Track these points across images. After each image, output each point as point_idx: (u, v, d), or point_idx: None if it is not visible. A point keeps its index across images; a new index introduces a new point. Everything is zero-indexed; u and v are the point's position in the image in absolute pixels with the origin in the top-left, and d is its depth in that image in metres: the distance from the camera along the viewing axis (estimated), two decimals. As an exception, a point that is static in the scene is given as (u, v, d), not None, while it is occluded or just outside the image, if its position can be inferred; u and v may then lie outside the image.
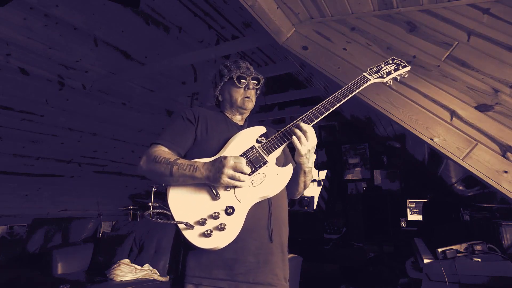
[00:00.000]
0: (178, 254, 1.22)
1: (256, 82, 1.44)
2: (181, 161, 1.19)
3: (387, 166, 5.47)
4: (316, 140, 1.25)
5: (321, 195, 5.92)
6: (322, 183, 5.96)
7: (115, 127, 4.70)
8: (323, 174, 6.05)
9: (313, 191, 6.16)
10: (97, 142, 4.76)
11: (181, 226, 1.12)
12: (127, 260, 3.14)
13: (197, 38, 4.24)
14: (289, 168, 1.24)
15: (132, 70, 3.85)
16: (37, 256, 3.78)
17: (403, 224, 4.82)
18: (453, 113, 1.91)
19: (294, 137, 1.22)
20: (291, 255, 2.83)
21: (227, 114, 1.45)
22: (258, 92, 1.50)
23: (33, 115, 3.86)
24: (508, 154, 1.76)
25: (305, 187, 1.40)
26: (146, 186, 5.83)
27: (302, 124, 1.22)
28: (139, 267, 3.08)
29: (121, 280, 2.87)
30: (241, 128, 1.40)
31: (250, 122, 1.50)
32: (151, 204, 4.40)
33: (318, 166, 6.04)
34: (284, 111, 6.22)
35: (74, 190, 5.22)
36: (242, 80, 1.39)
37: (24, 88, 3.55)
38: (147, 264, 3.14)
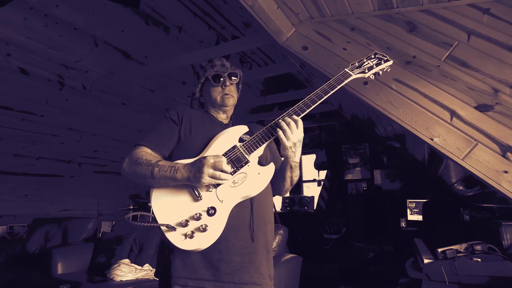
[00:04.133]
0: (164, 255, 1.22)
1: (235, 78, 1.42)
2: (163, 162, 1.18)
3: (387, 166, 5.47)
4: (302, 134, 1.24)
5: (321, 195, 5.92)
6: (322, 183, 5.96)
7: (115, 127, 4.70)
8: (323, 174, 6.05)
9: (313, 191, 6.16)
10: (97, 142, 4.76)
11: (163, 228, 1.12)
12: (127, 260, 3.14)
13: (197, 38, 4.24)
14: (271, 167, 1.24)
15: (132, 70, 3.85)
16: (37, 256, 3.79)
17: (403, 224, 4.82)
18: (453, 113, 1.91)
19: (279, 130, 1.20)
20: (291, 255, 2.83)
21: (212, 113, 1.44)
22: (240, 86, 1.49)
23: (33, 115, 3.86)
24: (508, 154, 1.76)
25: (292, 184, 1.38)
26: (146, 186, 5.83)
27: (288, 118, 1.22)
28: (139, 267, 3.08)
29: (121, 280, 2.87)
30: (225, 126, 1.39)
31: (236, 120, 1.49)
32: (151, 204, 4.39)
33: (318, 166, 6.04)
34: (284, 111, 6.19)
35: (74, 190, 5.23)
36: (219, 78, 1.38)
37: (24, 88, 3.55)
38: (147, 264, 3.14)
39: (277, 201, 5.82)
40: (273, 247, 2.73)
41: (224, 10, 3.98)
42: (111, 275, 2.93)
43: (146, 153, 1.24)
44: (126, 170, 1.23)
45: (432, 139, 1.92)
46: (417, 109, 1.99)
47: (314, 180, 6.15)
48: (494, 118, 1.82)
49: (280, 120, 1.22)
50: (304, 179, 6.39)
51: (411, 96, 2.02)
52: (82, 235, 3.91)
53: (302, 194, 6.17)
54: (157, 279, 1.27)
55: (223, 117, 1.44)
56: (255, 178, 1.20)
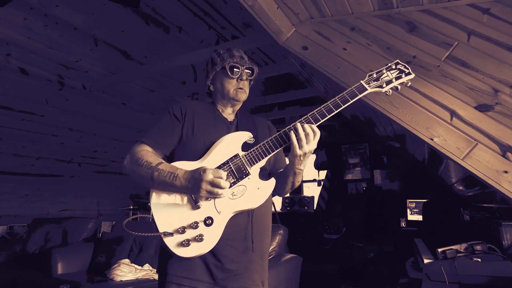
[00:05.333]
0: (164, 254, 1.23)
1: (250, 72, 1.37)
2: (163, 166, 1.17)
3: (387, 166, 5.47)
4: (315, 146, 1.20)
5: (321, 195, 5.91)
6: (322, 183, 5.96)
7: (115, 127, 4.70)
8: (323, 174, 6.05)
9: (313, 191, 6.16)
10: (97, 142, 4.76)
11: (161, 234, 1.14)
12: (127, 260, 3.14)
13: (197, 38, 4.24)
14: (271, 183, 1.22)
15: (132, 70, 3.85)
16: (37, 256, 3.79)
17: (403, 224, 4.82)
18: (453, 113, 1.91)
19: (293, 136, 1.17)
20: (291, 255, 2.83)
21: (218, 107, 1.40)
22: (252, 82, 1.44)
23: (33, 115, 3.86)
24: (508, 154, 1.76)
25: (292, 188, 1.36)
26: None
27: (307, 126, 1.17)
28: (139, 267, 3.08)
29: (121, 280, 2.87)
30: (230, 125, 1.36)
31: (241, 117, 1.43)
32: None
33: (318, 166, 6.04)
34: (284, 111, 6.22)
35: (74, 190, 5.23)
36: (235, 70, 1.32)
37: (24, 88, 3.55)
38: (147, 264, 3.14)
39: (277, 201, 5.82)
40: (273, 247, 2.74)
41: (224, 10, 3.98)
42: (111, 275, 2.93)
43: (147, 152, 1.23)
44: (127, 167, 1.23)
45: (432, 139, 1.92)
46: (417, 109, 1.99)
47: (314, 180, 6.15)
48: (494, 118, 1.82)
49: (298, 125, 1.18)
50: (304, 179, 6.39)
51: (411, 96, 2.02)
52: (82, 235, 3.91)
53: (302, 194, 6.16)
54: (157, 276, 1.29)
55: (229, 111, 1.39)
56: (254, 192, 1.19)
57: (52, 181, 4.83)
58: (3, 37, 3.04)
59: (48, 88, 3.69)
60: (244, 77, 1.34)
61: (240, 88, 1.34)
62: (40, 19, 3.06)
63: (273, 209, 4.63)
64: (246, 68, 1.35)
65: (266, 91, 5.66)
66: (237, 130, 1.34)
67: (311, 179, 6.25)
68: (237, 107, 1.41)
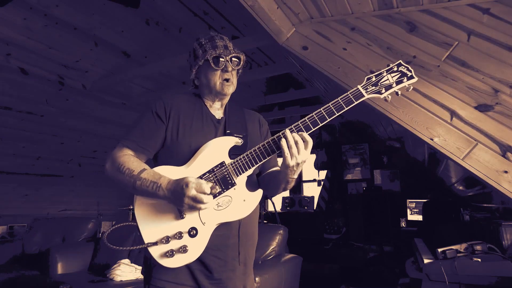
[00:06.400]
0: (148, 256, 1.23)
1: (237, 61, 1.27)
2: (145, 175, 1.12)
3: (387, 166, 5.47)
4: (308, 155, 1.12)
5: (321, 195, 5.92)
6: (322, 183, 5.96)
7: (115, 127, 4.70)
8: (323, 174, 6.05)
9: (313, 191, 6.16)
10: (97, 142, 4.76)
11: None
12: (127, 260, 3.14)
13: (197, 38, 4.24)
14: (258, 194, 1.18)
15: (132, 70, 3.85)
16: (37, 256, 3.78)
17: (403, 224, 4.82)
18: (453, 113, 1.92)
19: (284, 146, 1.09)
20: (291, 255, 2.83)
21: (206, 101, 1.31)
22: (240, 71, 1.34)
23: (33, 115, 3.86)
24: (508, 154, 1.76)
25: (284, 190, 1.31)
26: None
27: (297, 135, 1.09)
28: (139, 267, 3.08)
29: (121, 280, 2.87)
30: (218, 123, 1.29)
31: (231, 113, 1.34)
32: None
33: (318, 166, 6.04)
34: (284, 111, 6.22)
35: (74, 190, 5.23)
36: (220, 60, 1.23)
37: (24, 88, 3.55)
38: (147, 264, 3.14)
39: (277, 201, 5.82)
40: (273, 247, 2.74)
41: (224, 10, 3.98)
42: (111, 275, 2.93)
43: (129, 157, 1.18)
44: (109, 173, 1.18)
45: (432, 139, 1.92)
46: (417, 109, 1.99)
47: (314, 180, 6.15)
48: (494, 118, 1.83)
49: (288, 134, 1.10)
50: (304, 179, 6.39)
51: (411, 96, 2.02)
52: (82, 235, 3.91)
53: (302, 194, 6.16)
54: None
55: (217, 106, 1.32)
56: (240, 204, 1.15)
57: (52, 181, 4.83)
58: (3, 37, 3.04)
59: (48, 88, 3.69)
60: (230, 68, 1.25)
61: (226, 80, 1.25)
62: (40, 19, 3.05)
63: (273, 209, 4.63)
64: (231, 58, 1.25)
65: (266, 91, 5.66)
66: (225, 130, 1.27)
67: (311, 179, 6.25)
68: (225, 100, 1.33)
